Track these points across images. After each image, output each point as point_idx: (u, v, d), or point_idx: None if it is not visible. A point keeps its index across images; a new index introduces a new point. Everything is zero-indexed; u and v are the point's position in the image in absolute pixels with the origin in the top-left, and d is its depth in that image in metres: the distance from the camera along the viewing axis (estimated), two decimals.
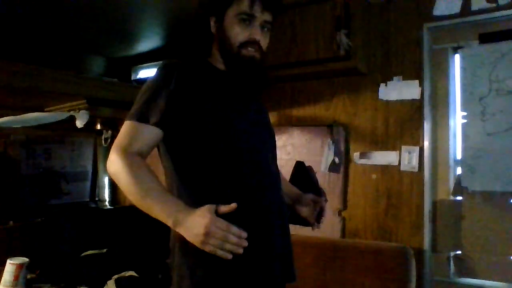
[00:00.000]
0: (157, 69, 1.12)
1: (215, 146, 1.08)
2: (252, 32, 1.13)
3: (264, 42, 1.16)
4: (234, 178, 1.09)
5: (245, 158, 1.11)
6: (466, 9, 2.01)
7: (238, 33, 1.12)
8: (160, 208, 0.93)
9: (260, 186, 1.13)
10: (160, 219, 0.94)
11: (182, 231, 0.91)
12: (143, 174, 0.96)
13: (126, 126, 1.03)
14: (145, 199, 0.94)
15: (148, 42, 2.90)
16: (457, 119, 2.08)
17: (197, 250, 0.91)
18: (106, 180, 3.22)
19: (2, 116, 2.10)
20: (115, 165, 0.97)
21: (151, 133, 1.02)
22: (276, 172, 1.24)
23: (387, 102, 2.22)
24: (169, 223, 0.92)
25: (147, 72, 3.19)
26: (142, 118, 1.02)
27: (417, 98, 2.13)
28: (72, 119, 2.17)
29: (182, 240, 0.95)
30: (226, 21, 1.14)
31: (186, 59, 1.14)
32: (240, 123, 1.14)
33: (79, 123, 2.16)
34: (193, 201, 1.03)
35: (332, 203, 2.33)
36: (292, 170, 2.41)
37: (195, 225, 0.88)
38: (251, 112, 1.20)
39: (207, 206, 0.91)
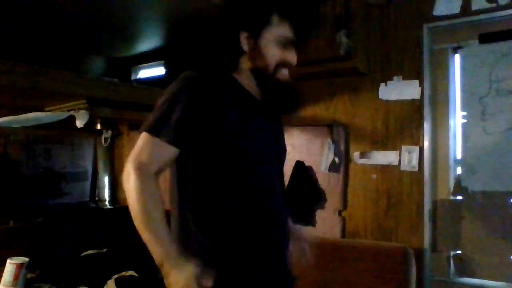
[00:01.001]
0: (176, 81, 1.08)
1: (228, 168, 1.07)
2: (288, 55, 1.12)
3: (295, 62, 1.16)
4: (241, 202, 1.08)
5: (256, 183, 1.11)
6: (466, 9, 2.01)
7: (275, 55, 1.11)
8: (153, 247, 0.95)
9: (267, 213, 1.13)
10: (152, 254, 0.96)
11: (165, 276, 0.94)
12: (151, 205, 0.96)
13: (144, 140, 1.00)
14: (145, 231, 0.95)
15: (148, 42, 2.90)
16: (457, 119, 2.08)
17: None
18: (106, 180, 3.22)
19: (2, 116, 2.10)
20: (131, 183, 0.96)
21: (168, 151, 1.00)
22: (283, 197, 1.23)
23: (387, 102, 2.22)
24: (157, 263, 0.95)
25: (147, 72, 3.20)
26: (158, 133, 0.99)
27: (417, 98, 2.13)
28: (72, 119, 2.17)
29: None
30: (263, 41, 1.10)
31: (207, 73, 1.10)
32: (256, 146, 1.12)
33: (79, 123, 2.15)
34: (194, 219, 1.06)
35: (332, 203, 2.33)
36: (292, 170, 2.42)
37: (175, 282, 0.92)
38: (268, 135, 1.18)
39: (192, 269, 0.92)
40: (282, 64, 1.12)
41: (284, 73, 1.13)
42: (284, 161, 1.28)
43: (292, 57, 1.13)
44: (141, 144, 0.99)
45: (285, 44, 1.11)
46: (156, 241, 0.94)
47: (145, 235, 0.95)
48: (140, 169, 0.96)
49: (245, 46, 1.12)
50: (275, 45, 1.10)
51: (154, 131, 0.99)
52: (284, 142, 1.30)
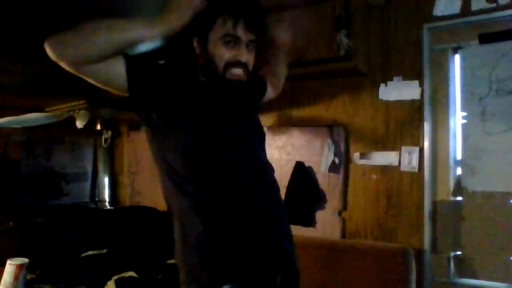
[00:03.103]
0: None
1: (203, 147, 1.12)
2: (237, 53, 1.12)
3: (250, 62, 1.16)
4: (225, 185, 1.12)
5: (232, 166, 1.15)
6: (466, 9, 2.01)
7: (223, 55, 1.12)
8: (137, 28, 1.10)
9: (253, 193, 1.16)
10: (142, 33, 1.08)
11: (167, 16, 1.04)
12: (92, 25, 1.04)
13: None
14: (115, 32, 1.06)
15: (147, 42, 2.90)
16: (457, 119, 2.07)
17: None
18: (106, 181, 3.21)
19: (2, 116, 2.11)
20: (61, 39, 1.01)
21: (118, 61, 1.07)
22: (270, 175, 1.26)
23: (387, 102, 2.22)
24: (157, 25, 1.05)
25: None
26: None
27: (417, 98, 2.12)
28: (72, 119, 2.17)
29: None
30: (210, 43, 1.13)
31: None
32: (228, 128, 1.16)
33: (79, 123, 2.16)
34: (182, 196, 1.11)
35: (332, 204, 2.33)
36: (292, 171, 2.42)
37: None
38: (237, 134, 1.20)
39: None
40: (231, 63, 1.12)
41: (235, 72, 1.13)
42: (263, 141, 1.32)
43: (241, 55, 1.13)
44: None
45: (232, 43, 1.12)
46: (131, 24, 1.07)
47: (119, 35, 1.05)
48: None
49: (197, 51, 1.17)
50: (221, 45, 1.12)
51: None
52: (258, 122, 1.33)
